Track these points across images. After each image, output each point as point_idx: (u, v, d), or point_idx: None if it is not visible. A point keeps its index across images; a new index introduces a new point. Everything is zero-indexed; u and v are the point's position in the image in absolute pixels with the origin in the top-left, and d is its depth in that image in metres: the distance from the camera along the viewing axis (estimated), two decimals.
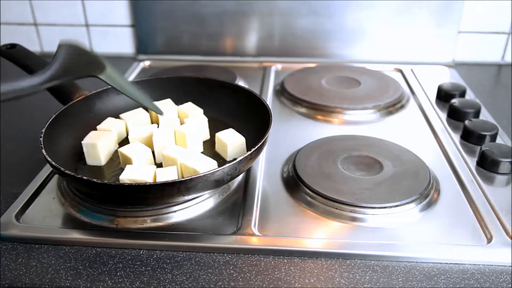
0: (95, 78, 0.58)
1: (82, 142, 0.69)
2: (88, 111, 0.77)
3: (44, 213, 0.64)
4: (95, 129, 0.74)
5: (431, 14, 1.11)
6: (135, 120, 0.77)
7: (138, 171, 0.61)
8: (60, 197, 0.66)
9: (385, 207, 0.61)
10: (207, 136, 0.77)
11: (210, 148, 0.74)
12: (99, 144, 0.69)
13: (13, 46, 0.76)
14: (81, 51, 0.57)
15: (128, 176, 0.61)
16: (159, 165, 0.68)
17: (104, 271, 0.54)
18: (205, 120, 0.76)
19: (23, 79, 0.50)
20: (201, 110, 0.79)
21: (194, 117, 0.77)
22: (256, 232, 0.59)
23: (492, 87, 1.08)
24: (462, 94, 0.94)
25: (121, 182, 0.60)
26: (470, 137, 0.78)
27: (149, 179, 0.60)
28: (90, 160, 0.70)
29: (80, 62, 0.56)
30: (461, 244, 0.57)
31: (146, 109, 0.81)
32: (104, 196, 0.61)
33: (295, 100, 0.94)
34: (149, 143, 0.70)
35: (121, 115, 0.78)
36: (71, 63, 0.55)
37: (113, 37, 1.23)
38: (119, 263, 0.55)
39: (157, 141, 0.69)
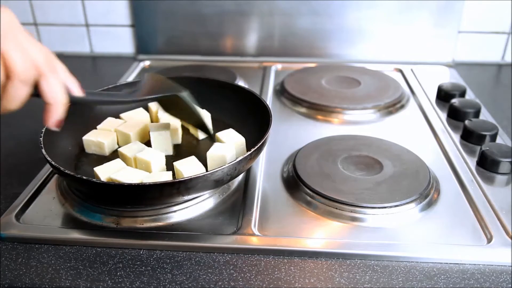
0: (176, 97, 0.66)
1: (83, 138, 0.72)
2: (89, 111, 0.77)
3: (44, 213, 0.64)
4: (95, 129, 0.75)
5: (431, 14, 1.11)
6: (135, 120, 0.77)
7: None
8: (60, 197, 0.66)
9: (385, 207, 0.61)
10: (210, 131, 0.77)
11: None
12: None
13: None
14: (162, 78, 0.69)
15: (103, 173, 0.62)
16: None
17: (104, 271, 0.54)
18: (208, 115, 0.76)
19: (120, 95, 0.66)
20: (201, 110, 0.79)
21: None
22: (256, 232, 0.59)
23: (492, 87, 1.08)
24: (462, 94, 0.94)
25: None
26: (470, 137, 0.78)
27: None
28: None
29: (163, 86, 0.67)
30: (461, 244, 0.57)
31: (147, 109, 0.81)
32: (104, 196, 0.61)
33: (295, 100, 0.94)
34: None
35: (121, 115, 0.78)
36: (155, 86, 0.66)
37: (113, 37, 1.23)
38: (119, 263, 0.55)
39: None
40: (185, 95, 0.66)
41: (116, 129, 0.74)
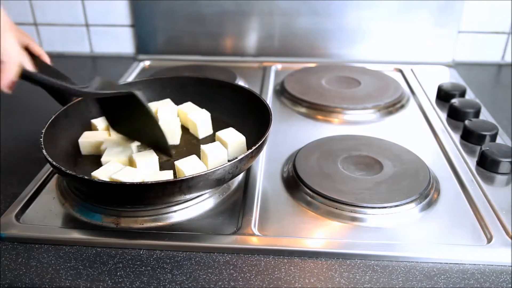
0: (132, 96, 0.64)
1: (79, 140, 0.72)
2: (88, 111, 0.77)
3: (44, 213, 0.64)
4: (96, 129, 0.75)
5: (431, 14, 1.11)
6: None
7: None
8: (60, 197, 0.66)
9: (385, 207, 0.61)
10: (210, 131, 0.77)
11: None
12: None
13: None
14: (114, 82, 0.68)
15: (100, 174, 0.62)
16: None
17: (104, 271, 0.54)
18: (208, 115, 0.76)
19: (73, 85, 0.60)
20: (201, 110, 0.79)
21: (197, 113, 0.77)
22: (256, 232, 0.59)
23: (492, 87, 1.08)
24: (462, 94, 0.94)
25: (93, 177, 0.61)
26: (470, 137, 0.78)
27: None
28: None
29: (116, 85, 0.67)
30: (461, 244, 0.57)
31: None
32: (106, 196, 0.61)
33: (295, 100, 0.94)
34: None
35: None
36: (109, 84, 0.64)
37: (113, 37, 1.23)
38: (119, 263, 0.55)
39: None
40: (140, 94, 0.63)
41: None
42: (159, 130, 0.65)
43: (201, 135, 0.76)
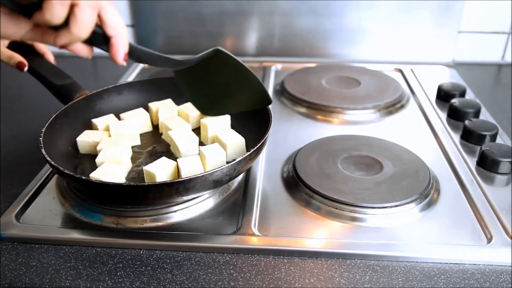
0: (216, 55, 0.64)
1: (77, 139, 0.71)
2: (89, 110, 0.77)
3: (44, 213, 0.64)
4: (97, 129, 0.75)
5: (431, 14, 1.11)
6: (135, 120, 0.77)
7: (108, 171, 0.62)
8: (60, 197, 0.66)
9: (385, 207, 0.61)
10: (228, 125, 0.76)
11: None
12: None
13: (15, 44, 0.76)
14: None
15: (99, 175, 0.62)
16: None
17: (104, 271, 0.54)
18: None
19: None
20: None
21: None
22: (256, 232, 0.59)
23: (492, 87, 1.08)
24: (462, 94, 0.94)
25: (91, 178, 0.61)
26: (470, 137, 0.78)
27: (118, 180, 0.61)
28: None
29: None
30: (461, 244, 0.57)
31: (147, 109, 0.81)
32: (104, 196, 0.61)
33: (295, 100, 0.94)
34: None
35: (121, 115, 0.78)
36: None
37: None
38: (119, 263, 0.55)
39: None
40: (224, 50, 0.63)
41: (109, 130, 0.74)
42: (254, 79, 0.65)
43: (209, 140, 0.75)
